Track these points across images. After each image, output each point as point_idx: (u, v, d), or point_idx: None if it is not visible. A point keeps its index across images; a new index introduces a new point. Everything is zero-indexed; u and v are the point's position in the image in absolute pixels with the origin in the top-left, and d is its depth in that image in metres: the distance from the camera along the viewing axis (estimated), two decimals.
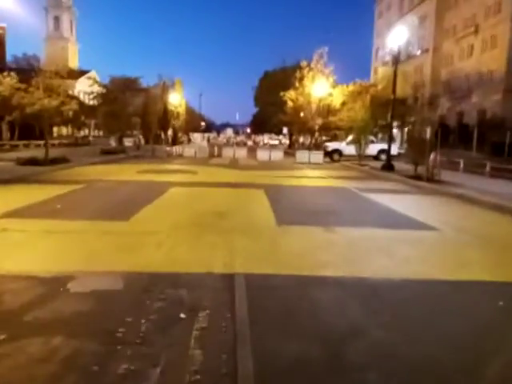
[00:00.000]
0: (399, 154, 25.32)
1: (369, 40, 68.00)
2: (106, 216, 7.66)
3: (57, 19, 76.40)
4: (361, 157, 22.95)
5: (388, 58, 55.92)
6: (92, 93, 28.28)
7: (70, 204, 8.93)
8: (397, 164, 19.18)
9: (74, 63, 73.11)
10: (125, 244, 5.67)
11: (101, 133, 46.98)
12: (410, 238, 6.59)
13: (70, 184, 11.87)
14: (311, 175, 17.56)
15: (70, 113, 18.35)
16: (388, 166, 18.71)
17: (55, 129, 48.42)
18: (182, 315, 3.49)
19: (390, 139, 19.65)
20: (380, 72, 45.32)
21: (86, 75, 41.71)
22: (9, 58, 19.69)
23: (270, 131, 68.95)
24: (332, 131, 42.45)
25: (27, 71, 18.88)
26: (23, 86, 16.33)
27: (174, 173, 16.74)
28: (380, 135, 28.85)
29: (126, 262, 4.88)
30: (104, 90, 28.62)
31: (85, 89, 30.60)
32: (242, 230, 6.67)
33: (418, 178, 14.82)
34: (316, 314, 3.65)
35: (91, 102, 30.76)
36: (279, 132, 62.91)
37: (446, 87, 44.14)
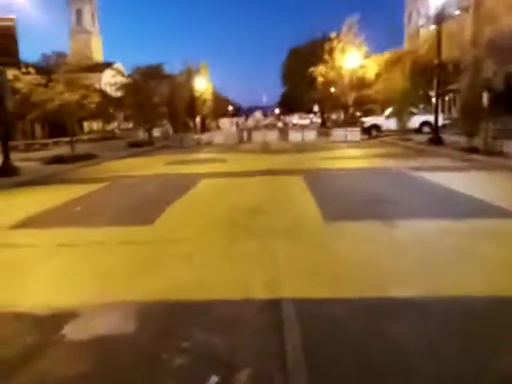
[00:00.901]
0: (444, 126, 23.16)
1: (399, 7, 63.79)
2: (129, 219, 6.79)
3: (79, 12, 76.37)
4: (403, 131, 21.09)
5: (421, 23, 52.17)
6: (115, 84, 27.66)
7: (90, 206, 8.15)
8: (444, 136, 17.30)
9: (98, 56, 73.31)
10: (146, 259, 4.71)
11: (130, 125, 46.96)
12: (495, 230, 5.23)
13: (93, 182, 11.20)
14: (351, 155, 16.09)
15: (93, 105, 17.66)
16: (436, 139, 16.89)
17: (85, 124, 48.83)
18: (213, 379, 2.45)
19: (437, 108, 17.74)
20: (422, 35, 41.62)
21: (112, 67, 41.47)
22: (38, 56, 19.41)
23: (299, 110, 66.75)
24: (367, 105, 40.15)
25: (50, 68, 18.40)
26: (42, 81, 15.80)
27: (204, 162, 15.81)
28: (422, 106, 26.59)
29: (144, 286, 3.90)
30: (128, 81, 28.03)
31: (111, 81, 30.07)
32: (283, 230, 5.56)
33: (474, 150, 13.09)
34: (409, 369, 2.51)
35: (114, 94, 30.24)
36: (309, 111, 60.65)
37: (491, 48, 40.35)
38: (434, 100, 29.60)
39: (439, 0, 17.83)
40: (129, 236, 5.67)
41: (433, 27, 29.46)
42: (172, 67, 43.01)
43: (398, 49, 39.62)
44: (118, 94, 28.86)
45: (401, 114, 21.12)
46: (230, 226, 5.98)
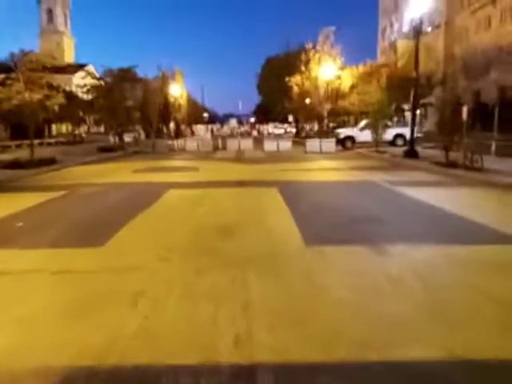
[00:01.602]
0: (417, 138, 23.09)
1: (373, 21, 65.08)
2: (77, 238, 5.78)
3: (50, 12, 73.48)
4: (377, 143, 20.80)
5: (396, 37, 53.09)
6: (85, 85, 26.27)
7: (36, 221, 7.05)
8: (418, 149, 17.04)
9: (70, 57, 70.93)
10: (84, 297, 3.73)
11: (101, 129, 45.12)
12: (505, 261, 4.60)
13: (49, 191, 10.06)
14: (327, 167, 15.49)
15: (56, 107, 16.37)
16: (411, 153, 16.59)
17: (54, 126, 46.53)
18: None
19: (414, 121, 17.48)
20: (400, 47, 41.75)
21: (83, 69, 39.72)
22: (5, 54, 17.81)
23: (274, 120, 66.58)
24: (341, 117, 40.08)
25: (12, 66, 16.99)
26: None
27: (175, 171, 14.83)
28: (395, 119, 26.61)
29: (74, 342, 2.95)
30: (99, 83, 26.71)
31: (82, 83, 28.63)
32: (258, 258, 4.71)
33: (452, 165, 12.75)
34: None
35: (85, 96, 28.80)
36: (284, 120, 60.47)
37: (461, 65, 41.41)
38: (406, 113, 29.77)
39: (415, 14, 17.74)
40: (70, 262, 4.69)
41: (408, 41, 29.73)
42: (146, 72, 41.86)
43: (372, 62, 39.97)
44: (90, 96, 27.46)
45: (376, 126, 20.83)
46: (195, 251, 5.09)
